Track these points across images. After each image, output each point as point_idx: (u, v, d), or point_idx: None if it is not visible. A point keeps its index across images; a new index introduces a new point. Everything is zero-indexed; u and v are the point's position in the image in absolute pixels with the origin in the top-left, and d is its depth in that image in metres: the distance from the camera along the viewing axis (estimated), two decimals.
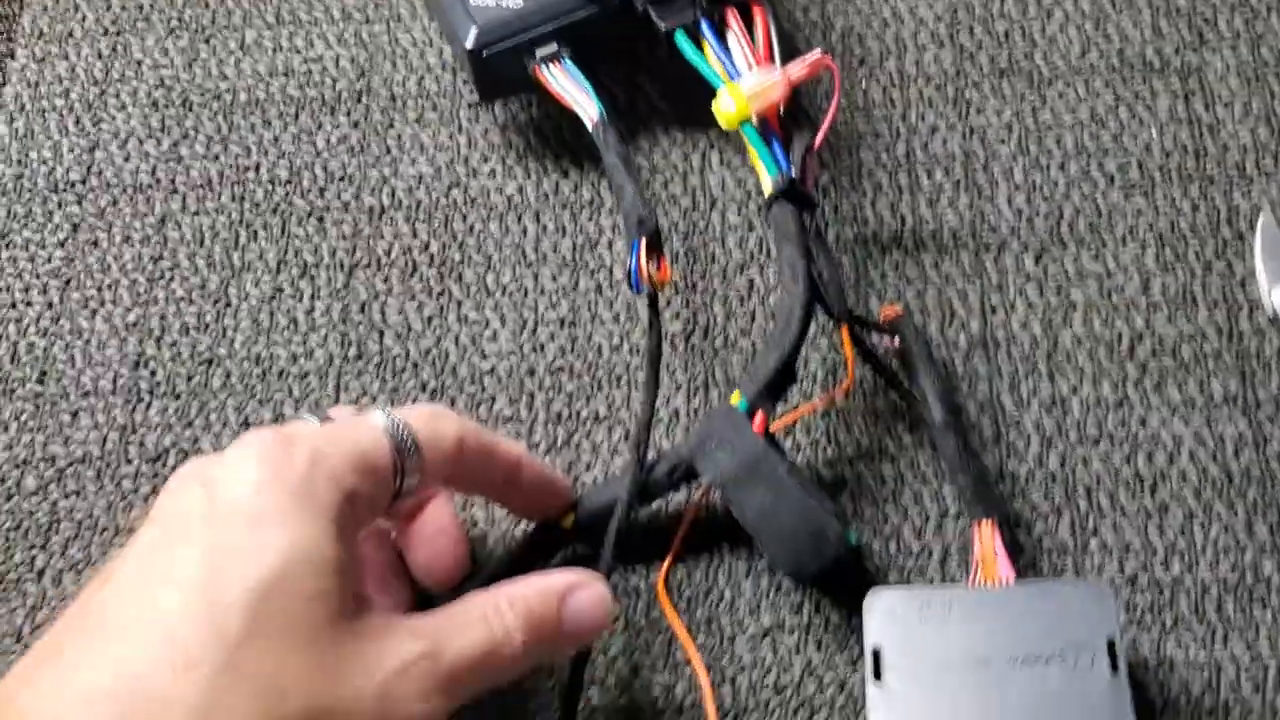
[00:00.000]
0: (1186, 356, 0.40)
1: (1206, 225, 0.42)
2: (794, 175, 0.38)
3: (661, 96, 0.46)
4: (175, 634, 0.27)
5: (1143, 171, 0.43)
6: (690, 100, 0.44)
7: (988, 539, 0.36)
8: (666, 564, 0.38)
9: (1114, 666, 0.32)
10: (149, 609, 0.28)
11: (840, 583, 0.37)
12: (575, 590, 0.33)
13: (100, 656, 0.27)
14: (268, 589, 0.28)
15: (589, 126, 0.41)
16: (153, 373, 0.43)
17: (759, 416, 0.37)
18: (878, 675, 0.34)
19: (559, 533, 0.38)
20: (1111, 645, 0.33)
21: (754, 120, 0.40)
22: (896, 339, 0.40)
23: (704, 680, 0.36)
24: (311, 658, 0.28)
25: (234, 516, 0.29)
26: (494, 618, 0.31)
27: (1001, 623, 0.34)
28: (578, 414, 0.41)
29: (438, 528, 0.36)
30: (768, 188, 0.39)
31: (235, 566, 0.28)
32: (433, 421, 0.33)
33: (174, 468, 0.40)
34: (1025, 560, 0.37)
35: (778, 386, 0.37)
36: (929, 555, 0.38)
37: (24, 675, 0.28)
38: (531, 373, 0.42)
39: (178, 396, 0.42)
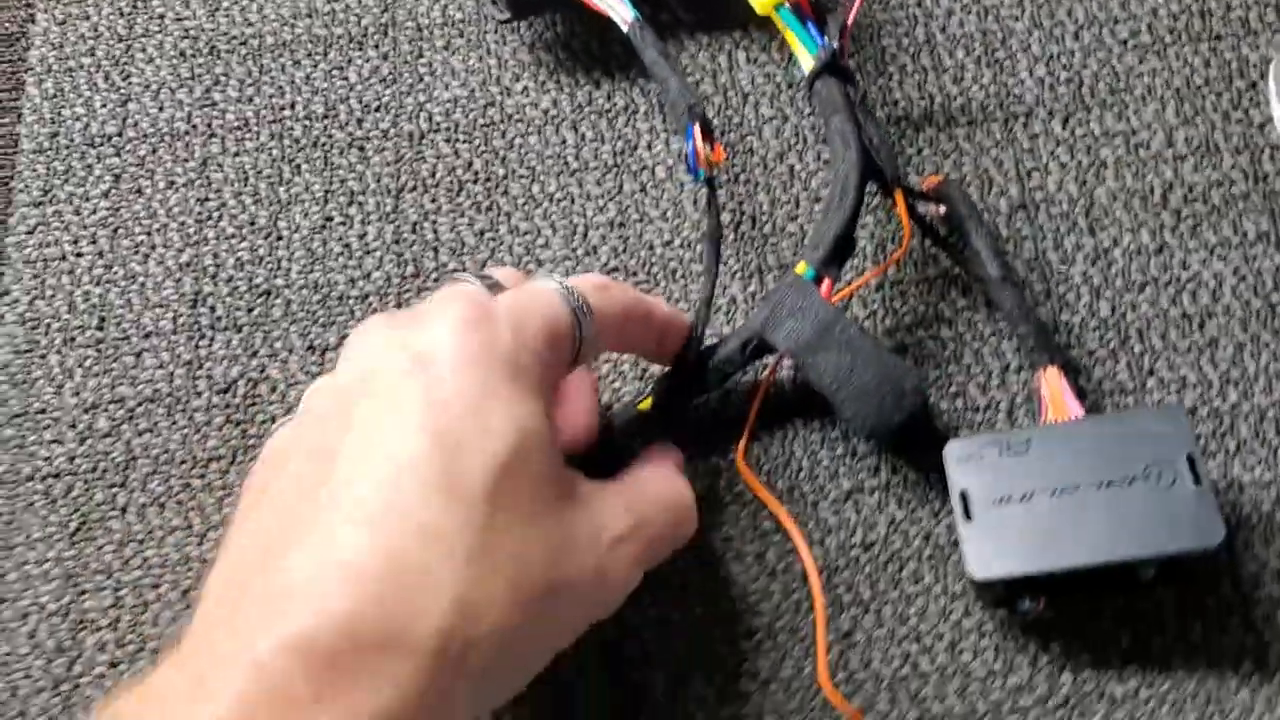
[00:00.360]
0: (1217, 201, 0.42)
1: (1220, 79, 0.44)
2: (835, 48, 0.40)
3: (684, 9, 0.47)
4: (425, 521, 0.27)
5: (1153, 34, 0.45)
6: (710, 7, 0.46)
7: (1054, 382, 0.38)
8: (743, 440, 0.39)
9: (1197, 479, 0.34)
10: (392, 494, 0.27)
11: (915, 439, 0.38)
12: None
13: (356, 535, 0.27)
14: (502, 473, 0.28)
15: (625, 29, 0.42)
16: (212, 309, 0.43)
17: (825, 284, 0.38)
18: (968, 516, 0.35)
19: (638, 417, 0.39)
20: (1191, 459, 0.34)
21: (787, 3, 0.41)
22: (942, 206, 0.41)
23: (797, 537, 0.37)
24: (545, 533, 0.29)
25: (455, 399, 0.29)
26: (682, 494, 0.34)
27: (1081, 452, 0.35)
28: None
29: (580, 402, 0.37)
30: (809, 65, 0.40)
31: (468, 455, 0.28)
32: (603, 292, 0.34)
33: (245, 396, 0.41)
34: (1089, 404, 0.39)
35: (840, 253, 0.38)
36: (996, 409, 0.39)
37: (270, 544, 0.28)
38: (586, 272, 0.43)
39: (240, 329, 0.43)
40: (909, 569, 0.37)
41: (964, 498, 0.35)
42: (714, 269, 0.39)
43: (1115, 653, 0.36)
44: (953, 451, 0.36)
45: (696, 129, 0.39)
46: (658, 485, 0.34)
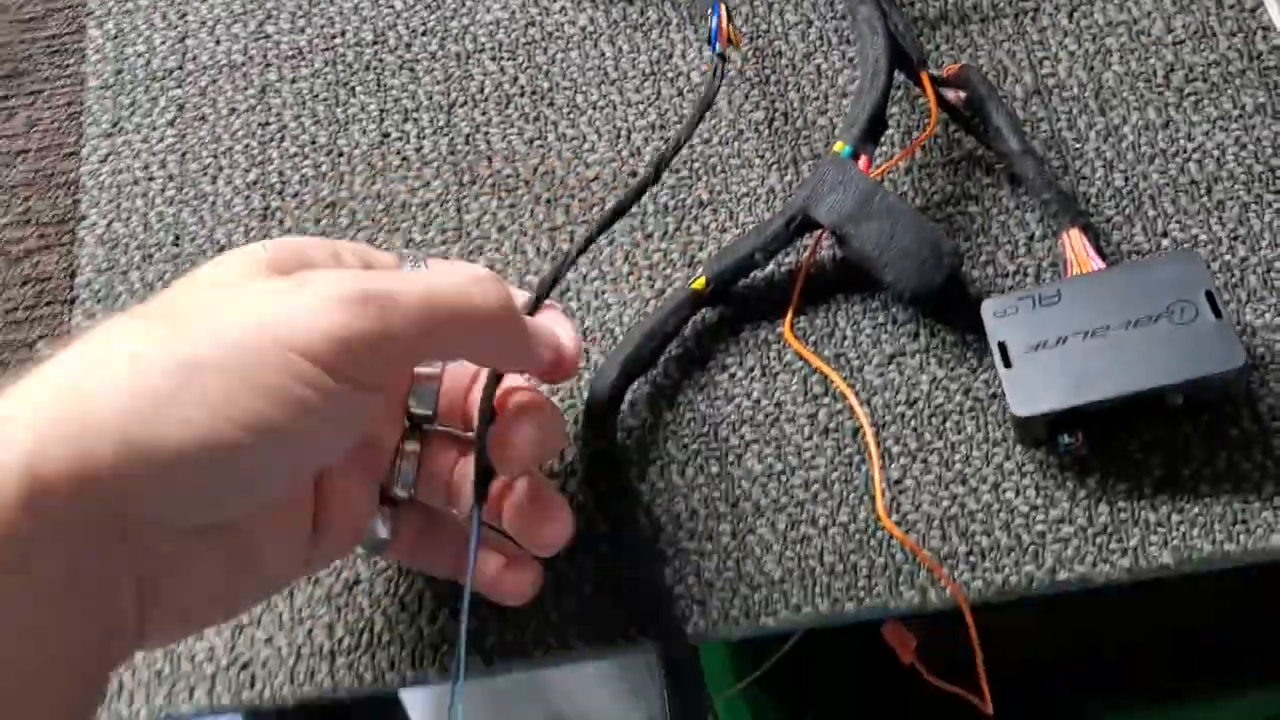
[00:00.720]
0: (1215, 79, 0.45)
1: None
2: None
3: None
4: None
5: None
6: None
7: (1078, 242, 0.41)
8: (790, 313, 0.42)
9: (1216, 312, 0.37)
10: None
11: (951, 302, 0.41)
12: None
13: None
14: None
15: None
16: (280, 221, 0.46)
17: (862, 160, 0.41)
18: (1007, 363, 0.38)
19: (692, 296, 0.42)
20: (1210, 295, 0.37)
21: None
22: (963, 91, 0.44)
23: (848, 392, 0.40)
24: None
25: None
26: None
27: (1107, 297, 0.38)
28: (683, 202, 0.45)
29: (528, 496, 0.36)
30: None
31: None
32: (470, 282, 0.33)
33: None
34: (1109, 263, 0.42)
35: (874, 131, 0.41)
36: (1024, 274, 0.42)
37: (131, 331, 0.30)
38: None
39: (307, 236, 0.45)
40: (952, 421, 0.40)
41: (1002, 347, 0.38)
42: (693, 124, 0.41)
43: (1148, 483, 0.39)
44: (989, 307, 0.39)
45: (723, 8, 0.42)
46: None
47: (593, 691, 0.75)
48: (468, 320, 0.32)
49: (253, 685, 0.39)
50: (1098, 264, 0.40)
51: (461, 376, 0.37)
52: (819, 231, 0.42)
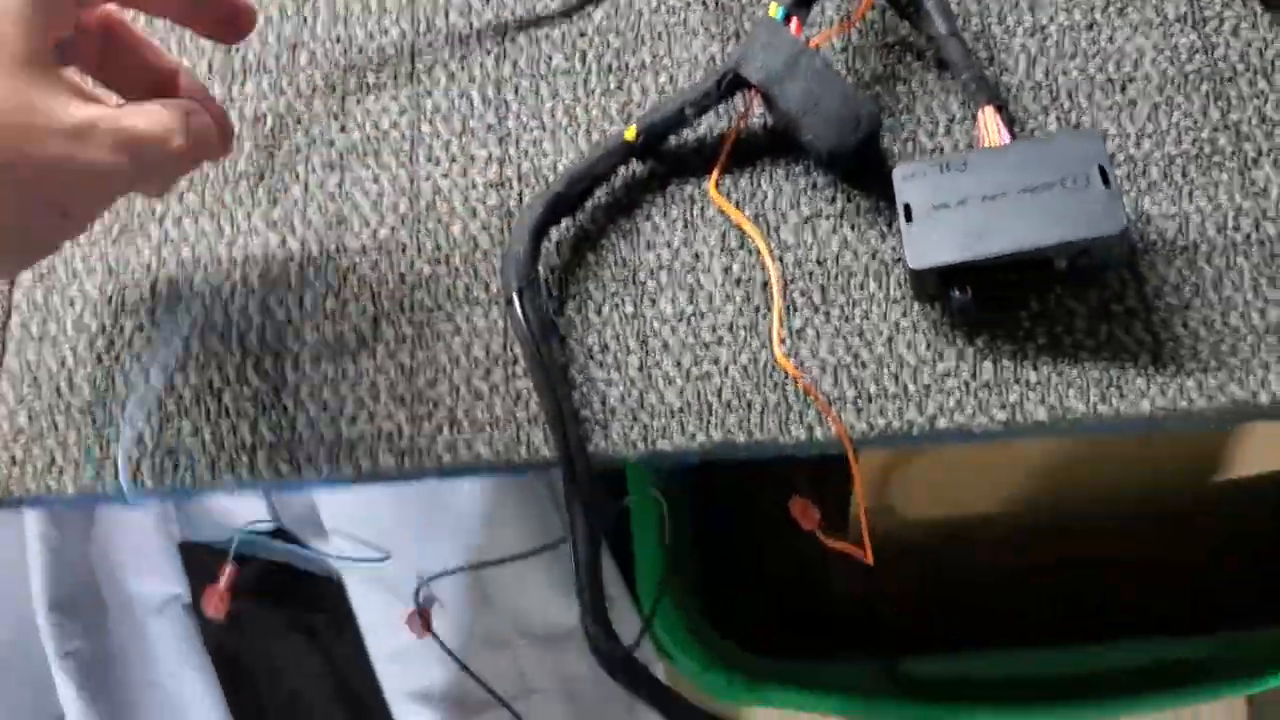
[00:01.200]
0: None
1: None
2: None
3: None
4: None
5: None
6: None
7: (990, 120, 0.43)
8: (716, 171, 0.44)
9: (1106, 183, 0.39)
10: None
11: (868, 167, 0.44)
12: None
13: None
14: None
15: None
16: (243, 57, 0.48)
17: (794, 23, 0.43)
18: (909, 220, 0.40)
19: (623, 145, 0.44)
20: (1103, 168, 0.39)
21: None
22: None
23: (762, 245, 0.43)
24: (8, 82, 0.34)
25: None
26: (172, 116, 0.36)
27: (1009, 167, 0.40)
28: (625, 64, 0.47)
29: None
30: None
31: None
32: None
33: (272, 126, 0.46)
34: None
35: None
36: (940, 151, 0.44)
37: None
38: (582, 34, 0.47)
39: (269, 72, 0.47)
40: (856, 280, 0.43)
41: (907, 208, 0.41)
42: None
43: (1032, 348, 0.41)
44: (900, 172, 0.41)
45: None
46: (155, 105, 0.36)
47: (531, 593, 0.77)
48: None
49: (176, 470, 0.41)
50: (1006, 138, 0.42)
51: None
52: (750, 93, 0.44)
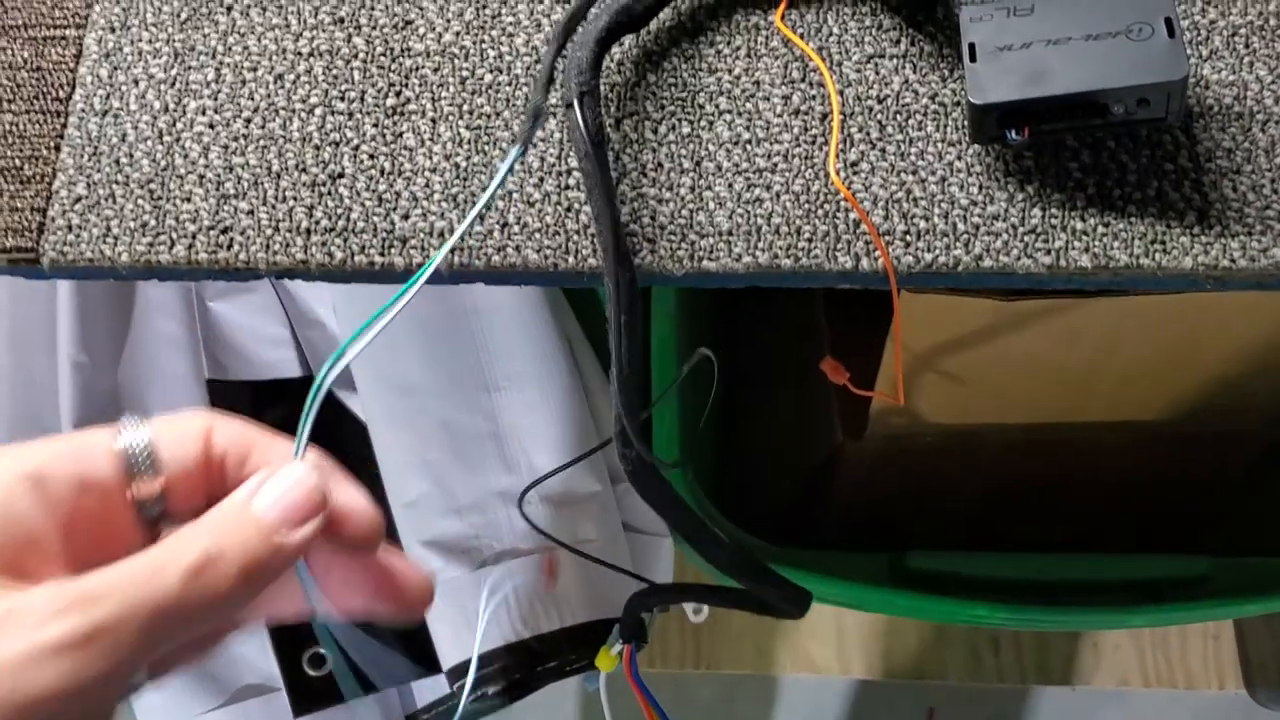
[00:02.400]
0: None
1: None
2: None
3: None
4: None
5: None
6: None
7: None
8: (783, 3, 0.45)
9: (1171, 34, 0.39)
10: None
11: (934, 18, 0.44)
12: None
13: None
14: None
15: None
16: None
17: None
18: (974, 59, 0.41)
19: None
20: (1169, 20, 0.40)
21: None
22: None
23: (827, 76, 0.43)
24: None
25: None
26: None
27: (1075, 13, 0.40)
28: None
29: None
30: None
31: None
32: (174, 421, 0.33)
33: None
34: None
35: None
36: None
37: None
38: None
39: None
40: (914, 120, 0.43)
41: (971, 47, 0.41)
42: None
43: (1081, 198, 0.41)
44: (967, 13, 0.42)
45: None
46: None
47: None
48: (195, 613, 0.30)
49: (230, 247, 0.42)
50: None
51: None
52: None
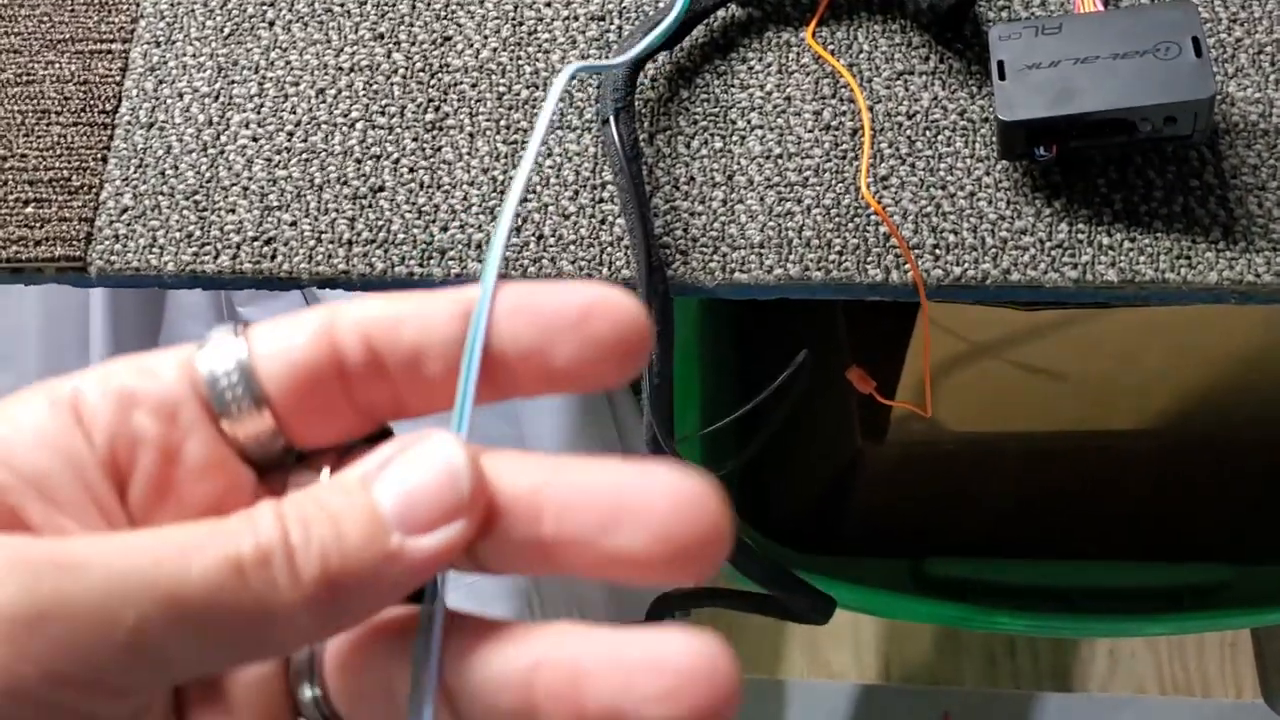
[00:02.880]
0: None
1: None
2: None
3: None
4: None
5: None
6: None
7: None
8: (815, 21, 0.45)
9: (1198, 53, 0.40)
10: None
11: (963, 36, 0.45)
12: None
13: None
14: None
15: None
16: None
17: None
18: (1002, 78, 0.42)
19: None
20: (1196, 39, 0.40)
21: None
22: None
23: (857, 92, 0.44)
24: None
25: None
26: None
27: (1103, 32, 0.41)
28: None
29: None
30: None
31: None
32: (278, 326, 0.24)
33: None
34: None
35: None
36: (1043, 3, 0.45)
37: None
38: None
39: None
40: (944, 135, 0.44)
41: (1000, 65, 0.42)
42: None
43: (1108, 213, 0.42)
44: (996, 32, 0.42)
45: None
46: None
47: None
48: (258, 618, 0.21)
49: (273, 258, 0.43)
50: (1101, 8, 0.43)
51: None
52: None
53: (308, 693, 0.24)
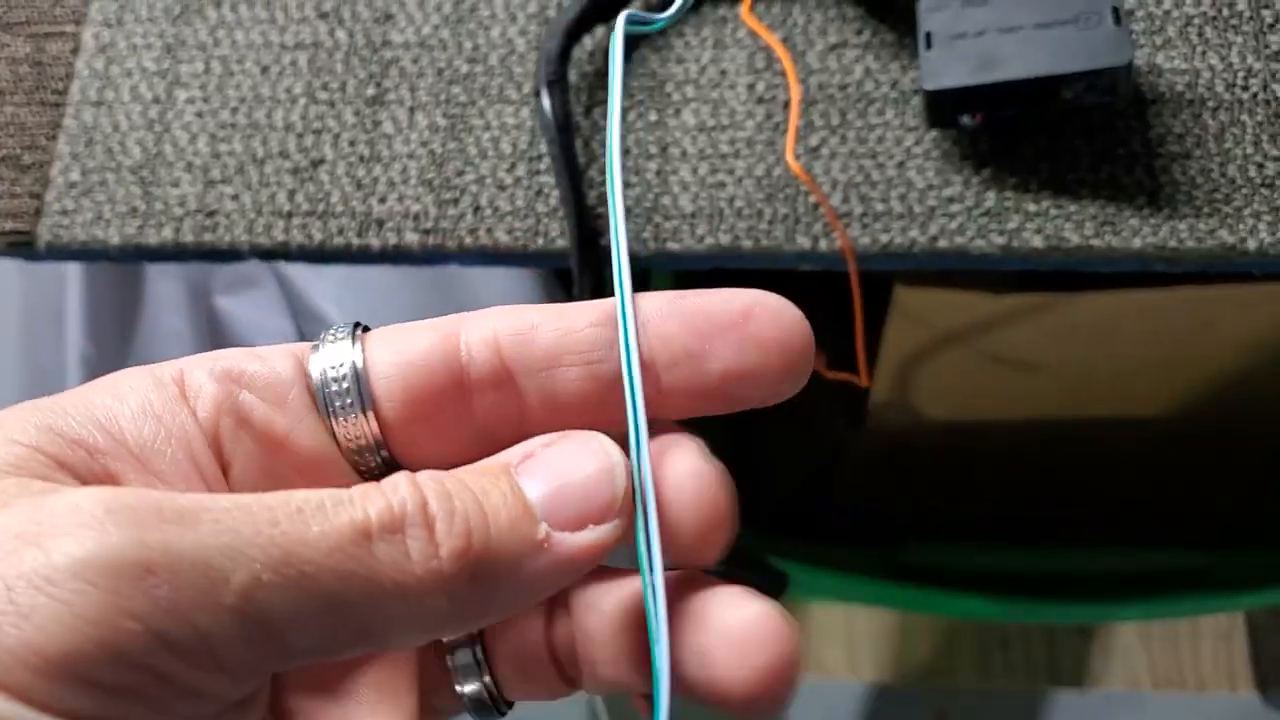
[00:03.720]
0: None
1: None
2: None
3: None
4: None
5: None
6: None
7: None
8: None
9: (1118, 22, 0.41)
10: None
11: (896, 10, 0.45)
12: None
13: None
14: None
15: None
16: None
17: None
18: (929, 47, 0.42)
19: None
20: (1115, 9, 0.41)
21: None
22: None
23: (788, 65, 0.44)
24: None
25: None
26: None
27: (1029, 2, 0.42)
28: None
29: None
30: None
31: None
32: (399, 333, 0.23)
33: None
34: None
35: None
36: None
37: None
38: None
39: None
40: (875, 107, 0.44)
41: (928, 36, 0.42)
42: None
43: (1034, 181, 0.43)
44: (925, 3, 0.43)
45: None
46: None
47: None
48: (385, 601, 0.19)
49: (215, 230, 0.44)
50: None
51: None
52: None
53: (472, 685, 0.23)
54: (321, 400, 0.22)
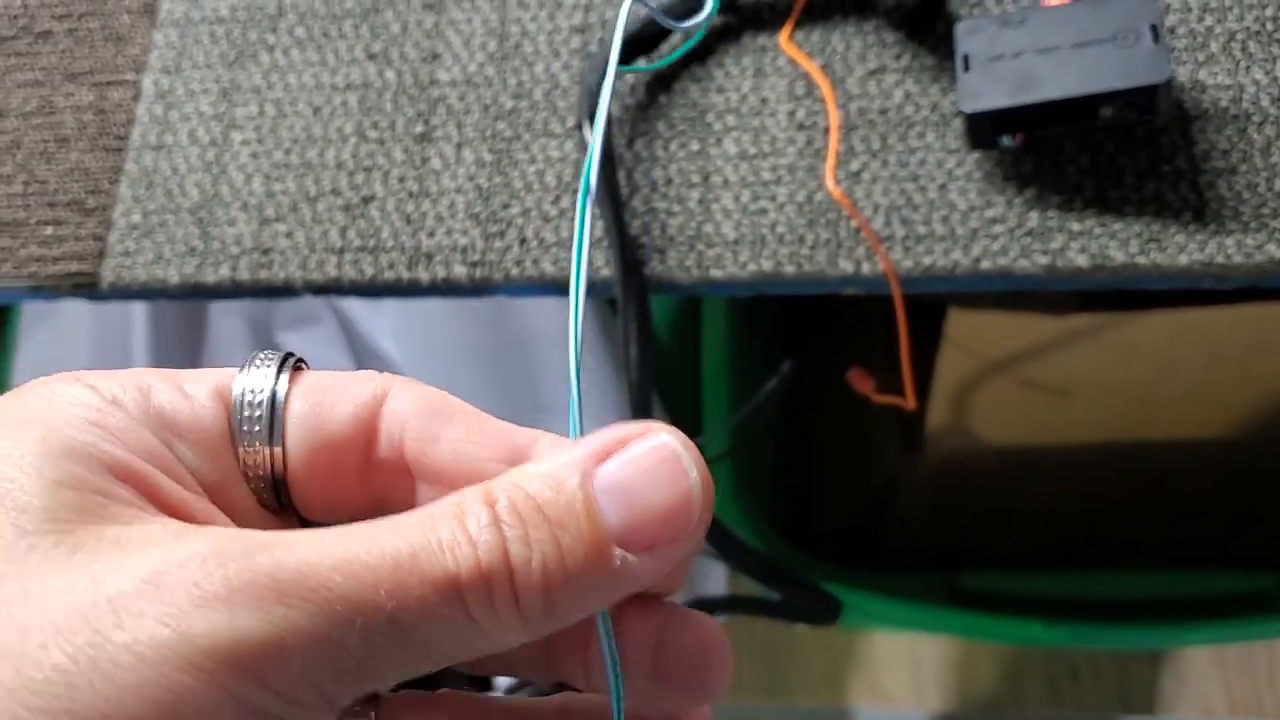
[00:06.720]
0: None
1: None
2: None
3: None
4: None
5: None
6: None
7: None
8: (790, 25, 0.47)
9: (1156, 39, 0.41)
10: None
11: (934, 33, 0.46)
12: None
13: None
14: None
15: None
16: None
17: None
18: (967, 70, 0.42)
19: None
20: (1154, 26, 0.41)
21: None
22: None
23: (827, 91, 0.45)
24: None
25: None
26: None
27: (1066, 23, 0.42)
28: None
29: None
30: None
31: None
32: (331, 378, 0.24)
33: None
34: None
35: None
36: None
37: None
38: None
39: None
40: (915, 130, 0.45)
41: (965, 58, 0.43)
42: None
43: (1078, 200, 0.43)
44: (963, 26, 0.43)
45: None
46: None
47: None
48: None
49: (270, 268, 0.45)
50: (1067, 1, 0.44)
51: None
52: None
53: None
54: (235, 421, 0.23)
